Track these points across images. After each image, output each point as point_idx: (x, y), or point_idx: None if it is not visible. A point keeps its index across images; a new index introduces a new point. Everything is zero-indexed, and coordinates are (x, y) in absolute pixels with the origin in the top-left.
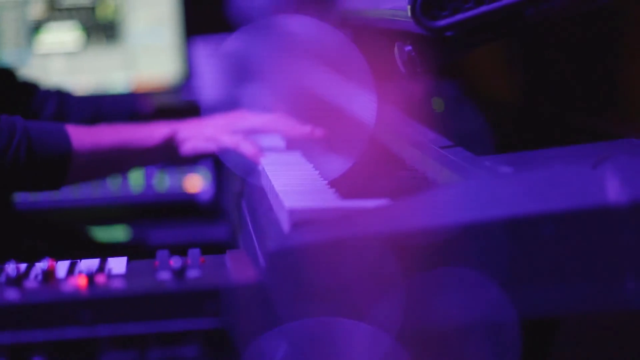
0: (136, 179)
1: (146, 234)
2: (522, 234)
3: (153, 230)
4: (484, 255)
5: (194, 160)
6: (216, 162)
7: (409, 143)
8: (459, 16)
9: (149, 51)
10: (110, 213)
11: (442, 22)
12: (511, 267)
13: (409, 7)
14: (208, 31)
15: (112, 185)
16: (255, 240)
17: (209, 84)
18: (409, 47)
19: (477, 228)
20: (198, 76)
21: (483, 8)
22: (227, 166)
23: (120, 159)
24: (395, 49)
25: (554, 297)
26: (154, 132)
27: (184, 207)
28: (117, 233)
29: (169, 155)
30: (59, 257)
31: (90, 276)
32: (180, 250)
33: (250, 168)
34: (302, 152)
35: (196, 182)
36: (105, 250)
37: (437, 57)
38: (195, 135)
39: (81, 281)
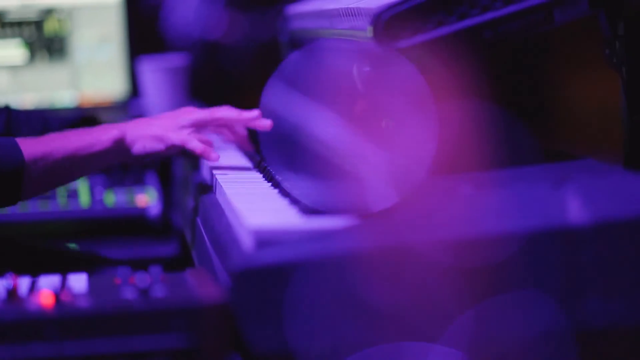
0: (84, 194)
1: (93, 249)
2: (483, 252)
3: (100, 245)
4: (446, 273)
5: (144, 161)
6: (163, 176)
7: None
8: (420, 37)
9: (95, 68)
10: (57, 228)
11: (403, 43)
12: (471, 285)
13: (369, 27)
14: (154, 49)
15: (59, 201)
16: (215, 259)
17: (155, 101)
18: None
19: (440, 246)
20: (144, 93)
21: (444, 29)
22: (176, 181)
23: (73, 166)
24: (354, 69)
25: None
26: (102, 136)
27: (132, 222)
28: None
29: (120, 157)
30: (7, 272)
31: (57, 294)
32: (132, 265)
33: (205, 183)
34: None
35: (144, 198)
36: (54, 266)
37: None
38: (143, 134)
39: (47, 299)
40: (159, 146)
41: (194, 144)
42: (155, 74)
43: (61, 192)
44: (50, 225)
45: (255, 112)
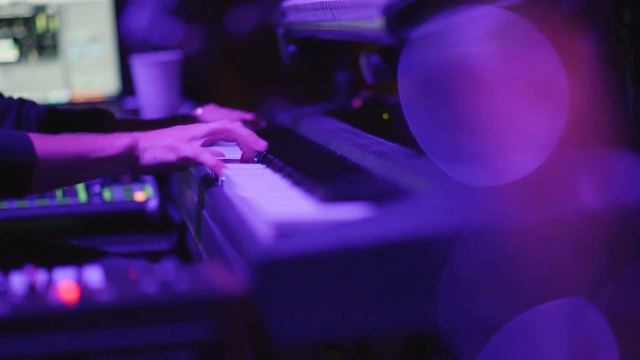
0: (81, 191)
1: (91, 244)
2: (511, 239)
3: (98, 241)
4: (478, 262)
5: (154, 171)
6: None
7: (370, 153)
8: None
9: (86, 65)
10: (55, 224)
11: (416, 33)
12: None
13: (382, 18)
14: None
15: (57, 197)
16: (230, 252)
17: (149, 97)
18: (377, 58)
19: (464, 235)
20: (137, 89)
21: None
22: (177, 176)
23: (83, 167)
24: (362, 59)
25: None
26: (115, 141)
27: (130, 217)
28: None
29: (129, 165)
30: (11, 268)
31: (80, 287)
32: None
33: (210, 177)
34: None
35: (141, 193)
36: (56, 260)
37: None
38: (155, 144)
39: (68, 293)
40: (170, 156)
41: (206, 156)
42: (148, 69)
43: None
44: (48, 221)
45: (263, 144)
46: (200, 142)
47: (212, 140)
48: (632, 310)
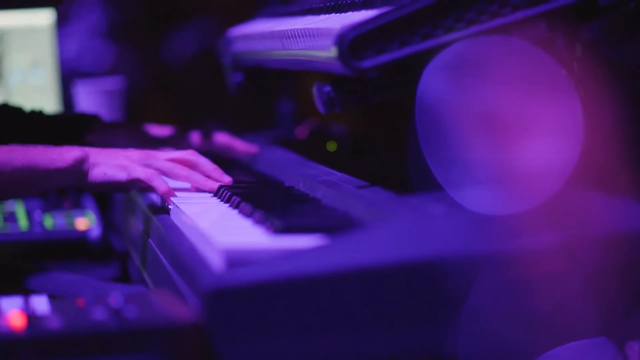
0: (22, 218)
1: (35, 271)
2: (458, 273)
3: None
4: (422, 295)
5: (101, 188)
6: (100, 200)
7: (320, 183)
8: (384, 57)
9: (28, 91)
10: None
11: (367, 63)
12: (450, 306)
13: (334, 47)
14: (87, 72)
15: None
16: (179, 280)
17: None
18: (329, 88)
19: (414, 268)
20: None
21: (407, 49)
22: (120, 203)
23: (30, 178)
24: (314, 89)
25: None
26: (64, 154)
27: (71, 245)
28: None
29: (77, 178)
30: None
31: (28, 315)
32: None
33: (157, 205)
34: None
35: (83, 221)
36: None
37: (358, 97)
38: (106, 161)
39: (17, 321)
40: (120, 175)
41: (158, 182)
42: (91, 97)
43: None
44: None
45: (228, 179)
46: (158, 166)
47: (171, 167)
48: None
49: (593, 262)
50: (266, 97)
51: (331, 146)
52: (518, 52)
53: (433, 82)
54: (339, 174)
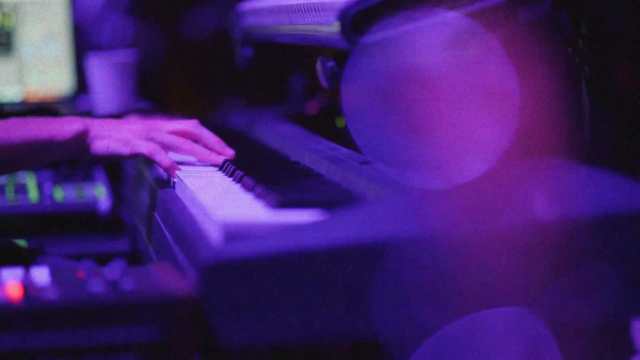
0: (32, 190)
1: (42, 244)
2: (459, 247)
3: (49, 241)
4: (426, 268)
5: (103, 161)
6: (111, 172)
7: (324, 158)
8: (388, 32)
9: (41, 63)
10: (5, 224)
11: (370, 38)
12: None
13: (336, 22)
14: (102, 45)
15: (8, 196)
16: (179, 254)
17: (103, 97)
18: (332, 63)
19: (414, 242)
20: (91, 89)
21: (411, 25)
22: (130, 177)
23: (31, 153)
24: (318, 64)
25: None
26: (64, 126)
27: (82, 218)
28: (15, 243)
29: (79, 152)
30: None
31: (24, 286)
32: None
33: (163, 179)
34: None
35: (93, 193)
36: (4, 260)
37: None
38: (109, 135)
39: (14, 291)
40: (123, 150)
41: (161, 156)
42: (104, 70)
43: (9, 187)
44: None
45: (230, 152)
46: (161, 140)
47: (174, 141)
48: (574, 318)
49: (521, 246)
50: (279, 72)
51: (340, 122)
52: (454, 27)
53: (365, 59)
54: (344, 150)
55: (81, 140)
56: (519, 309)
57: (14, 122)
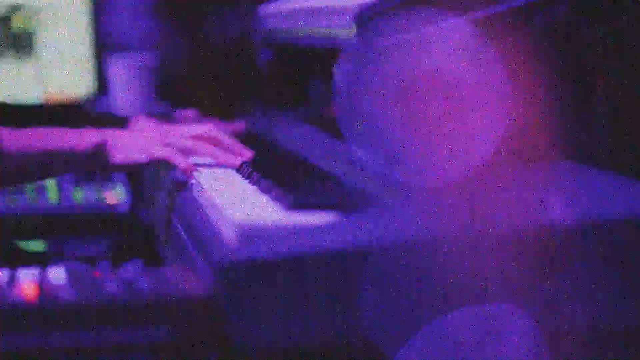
0: (52, 190)
1: (62, 245)
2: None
3: (69, 242)
4: (443, 270)
5: (121, 170)
6: (131, 174)
7: (341, 161)
8: (403, 35)
9: (62, 65)
10: (25, 224)
11: (386, 41)
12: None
13: (353, 25)
14: (122, 47)
15: (28, 196)
16: (195, 255)
17: (123, 99)
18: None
19: (430, 244)
20: (111, 91)
21: (427, 28)
22: (149, 179)
23: (49, 163)
24: (335, 68)
25: None
26: (84, 137)
27: (101, 219)
28: (33, 244)
29: (98, 162)
30: None
31: (40, 285)
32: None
33: (181, 181)
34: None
35: (113, 195)
36: (22, 261)
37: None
38: (127, 144)
39: (29, 291)
40: (142, 157)
41: (180, 159)
42: (124, 72)
43: (29, 187)
44: (18, 221)
45: (248, 154)
46: (179, 145)
47: (191, 145)
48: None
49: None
50: (299, 75)
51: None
52: (461, 32)
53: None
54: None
55: (99, 151)
56: (506, 306)
57: (33, 132)
